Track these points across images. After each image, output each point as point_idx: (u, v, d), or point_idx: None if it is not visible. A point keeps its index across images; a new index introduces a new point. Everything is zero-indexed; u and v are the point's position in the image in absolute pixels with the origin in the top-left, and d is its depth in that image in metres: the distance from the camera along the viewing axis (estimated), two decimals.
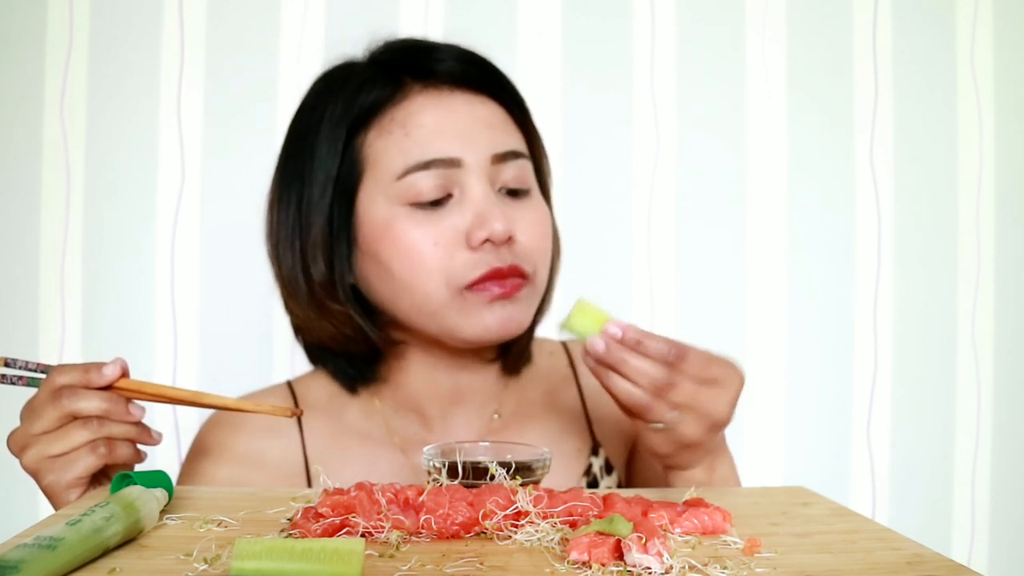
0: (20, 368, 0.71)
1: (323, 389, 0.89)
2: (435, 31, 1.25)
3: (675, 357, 0.66)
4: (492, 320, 0.79)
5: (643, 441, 0.73)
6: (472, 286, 0.78)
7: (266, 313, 1.22)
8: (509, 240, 0.78)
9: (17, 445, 0.69)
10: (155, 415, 1.18)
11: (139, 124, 1.22)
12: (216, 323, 1.23)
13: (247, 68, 1.23)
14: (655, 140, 1.28)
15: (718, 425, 0.70)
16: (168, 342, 1.23)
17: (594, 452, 0.89)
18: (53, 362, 1.19)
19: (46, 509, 0.69)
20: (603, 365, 0.67)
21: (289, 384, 0.92)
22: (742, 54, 1.29)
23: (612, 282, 1.28)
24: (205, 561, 0.48)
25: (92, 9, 1.21)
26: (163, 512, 0.58)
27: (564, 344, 0.97)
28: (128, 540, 0.52)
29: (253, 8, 1.23)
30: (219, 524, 0.57)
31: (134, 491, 0.55)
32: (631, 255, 1.28)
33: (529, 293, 0.81)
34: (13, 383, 0.70)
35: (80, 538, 0.47)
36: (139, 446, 0.73)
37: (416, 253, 0.78)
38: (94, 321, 1.22)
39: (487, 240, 0.77)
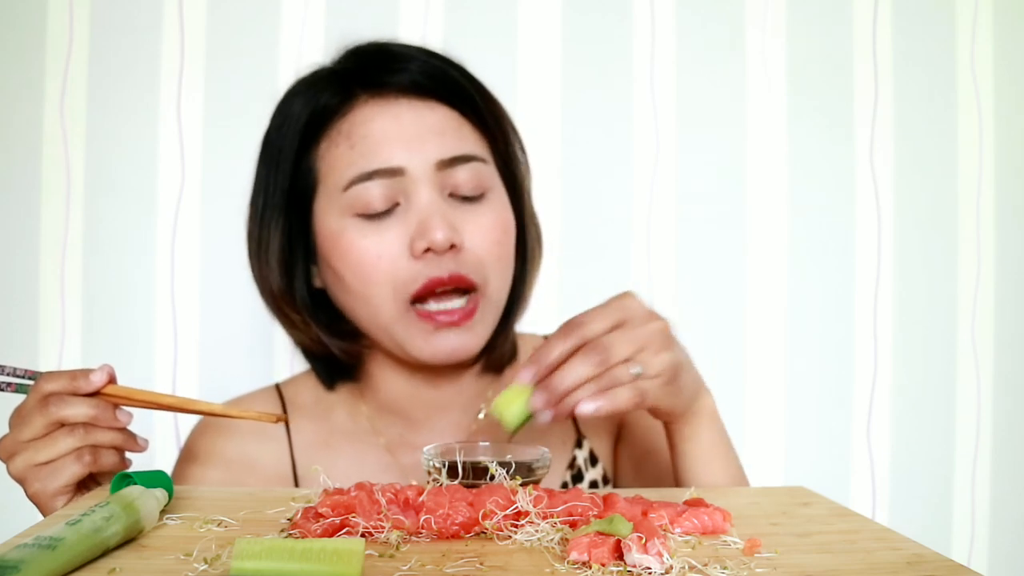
0: (8, 374, 0.70)
1: (311, 391, 0.90)
2: (435, 31, 1.25)
3: (579, 337, 0.65)
4: (441, 345, 0.78)
5: (653, 415, 0.73)
6: (416, 300, 0.78)
7: (266, 311, 1.22)
8: (453, 248, 0.77)
9: (5, 452, 0.69)
10: (156, 419, 1.19)
11: (139, 124, 1.22)
12: (216, 322, 1.23)
13: (247, 68, 1.23)
14: (655, 140, 1.28)
15: (669, 337, 0.68)
16: (168, 342, 1.23)
17: (578, 444, 0.89)
18: (53, 363, 1.20)
19: None
20: (559, 402, 0.64)
21: (277, 387, 0.93)
22: (742, 54, 1.29)
23: (611, 282, 1.28)
24: (205, 561, 0.48)
25: (92, 9, 1.21)
26: (163, 512, 0.58)
27: (546, 338, 0.97)
28: (128, 540, 0.52)
29: (253, 8, 1.23)
30: (219, 524, 0.57)
31: (134, 491, 0.55)
32: (631, 255, 1.28)
33: (481, 314, 0.80)
34: (2, 389, 0.70)
35: (80, 538, 0.47)
36: (127, 454, 0.72)
37: (363, 265, 0.78)
38: (94, 321, 1.22)
39: (429, 249, 0.77)
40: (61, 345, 1.21)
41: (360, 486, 0.57)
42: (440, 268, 0.77)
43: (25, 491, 0.69)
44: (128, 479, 0.60)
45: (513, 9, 1.26)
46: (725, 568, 0.48)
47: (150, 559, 0.49)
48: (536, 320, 0.97)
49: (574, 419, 0.90)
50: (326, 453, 0.87)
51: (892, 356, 1.30)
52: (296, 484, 0.86)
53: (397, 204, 0.78)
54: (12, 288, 1.21)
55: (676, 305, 1.27)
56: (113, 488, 0.60)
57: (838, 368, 1.30)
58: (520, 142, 0.88)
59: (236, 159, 1.23)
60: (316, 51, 1.22)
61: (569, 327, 0.65)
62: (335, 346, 0.85)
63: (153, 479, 0.60)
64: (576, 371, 0.63)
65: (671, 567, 0.47)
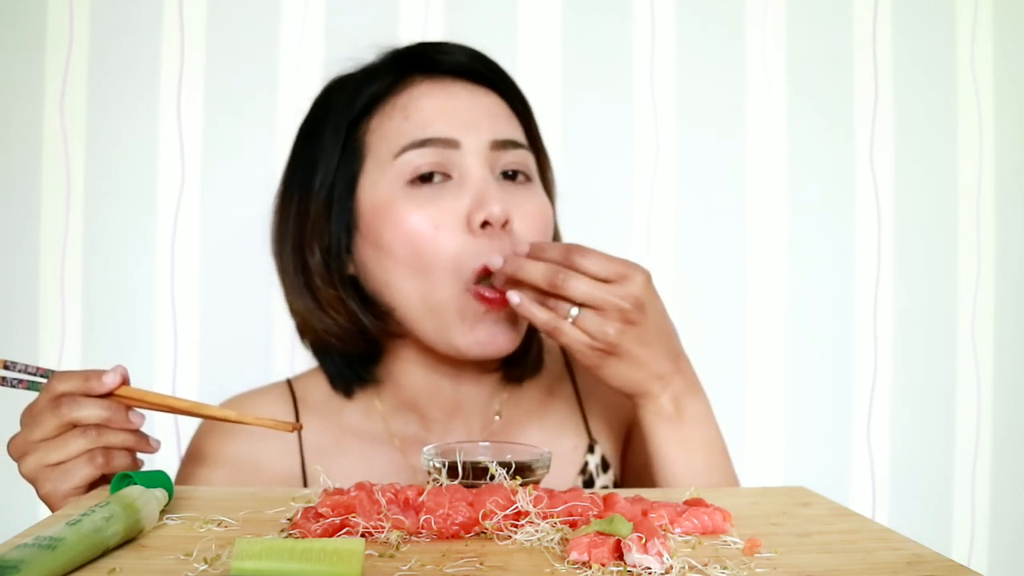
0: (20, 371, 0.70)
1: (323, 388, 0.89)
2: (435, 30, 1.25)
3: (566, 254, 0.70)
4: (484, 334, 0.78)
5: (572, 357, 0.77)
6: (476, 283, 0.77)
7: (266, 312, 1.23)
8: (506, 225, 0.77)
9: (17, 451, 0.68)
10: (156, 420, 1.18)
11: (139, 124, 1.22)
12: (216, 322, 1.23)
13: (247, 68, 1.23)
14: (655, 140, 1.28)
15: (629, 319, 0.71)
16: (168, 342, 1.23)
17: (590, 450, 0.88)
18: (53, 363, 1.20)
19: (46, 509, 0.69)
20: (508, 282, 0.73)
21: (289, 382, 0.91)
22: (742, 54, 1.29)
23: None
24: (205, 561, 0.48)
25: (92, 9, 1.21)
26: (163, 512, 0.58)
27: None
28: (128, 540, 0.52)
29: (253, 8, 1.23)
30: (219, 524, 0.57)
31: (134, 491, 0.55)
32: (631, 255, 1.27)
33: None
34: (13, 386, 0.70)
35: (80, 538, 0.47)
36: (138, 455, 0.72)
37: (419, 237, 0.77)
38: (94, 321, 1.22)
39: (486, 223, 0.76)
40: (61, 345, 1.21)
41: (360, 486, 0.57)
42: (500, 248, 0.76)
43: (37, 491, 0.69)
44: (128, 479, 0.60)
45: (513, 9, 1.27)
46: (725, 568, 0.48)
47: (150, 559, 0.49)
48: None
49: (586, 424, 0.89)
50: (337, 452, 0.85)
51: (892, 356, 1.30)
52: (305, 484, 0.85)
53: (450, 177, 0.78)
54: (12, 288, 1.21)
55: (676, 305, 1.27)
56: (113, 488, 0.60)
57: (838, 368, 1.30)
58: (546, 151, 0.89)
59: (236, 159, 1.23)
60: (316, 51, 1.23)
61: (574, 249, 0.71)
62: (369, 322, 0.82)
63: (153, 479, 0.59)
64: (531, 271, 0.71)
65: (671, 567, 0.47)
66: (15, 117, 1.21)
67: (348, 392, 0.87)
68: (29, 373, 0.70)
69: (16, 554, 0.43)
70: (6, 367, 0.69)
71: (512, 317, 0.79)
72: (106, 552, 0.49)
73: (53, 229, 1.21)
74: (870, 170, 1.30)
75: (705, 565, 0.49)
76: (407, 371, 0.86)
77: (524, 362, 0.87)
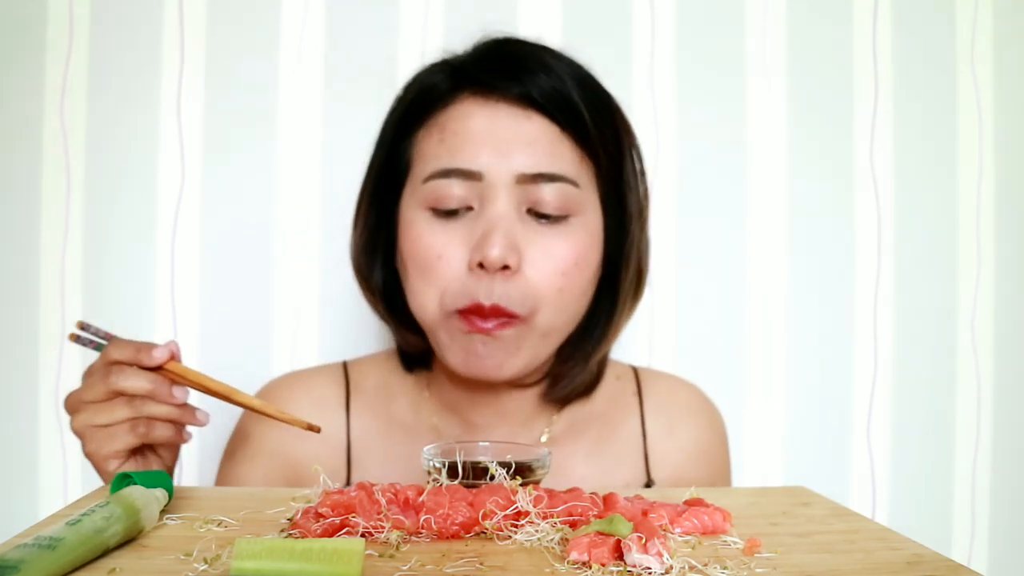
0: (93, 334, 0.76)
1: (377, 375, 0.91)
2: (435, 31, 1.25)
3: None
4: (470, 354, 0.77)
5: None
6: (458, 313, 0.77)
7: (267, 311, 1.22)
8: (507, 269, 0.75)
9: (71, 406, 0.72)
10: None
11: (139, 124, 1.22)
12: (216, 323, 1.23)
13: (247, 68, 1.23)
14: (655, 140, 1.28)
15: None
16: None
17: (646, 487, 0.86)
18: (52, 362, 1.20)
19: (46, 509, 0.69)
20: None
21: (344, 364, 0.93)
22: (742, 54, 1.29)
23: None
24: (205, 561, 0.48)
25: (92, 9, 1.21)
26: (163, 512, 0.58)
27: (635, 369, 0.93)
28: (128, 540, 0.52)
29: (253, 8, 1.23)
30: (219, 524, 0.57)
31: (134, 491, 0.55)
32: None
33: (520, 335, 0.77)
34: (85, 345, 0.76)
35: (80, 538, 0.47)
36: (187, 428, 0.76)
37: (424, 261, 0.78)
38: (94, 321, 1.21)
39: (481, 264, 0.74)
40: (61, 345, 1.21)
41: (360, 486, 0.57)
42: (488, 294, 0.75)
43: (82, 448, 0.73)
44: (128, 479, 0.60)
45: (513, 10, 1.26)
46: (725, 568, 0.48)
47: (150, 559, 0.50)
48: None
49: (647, 464, 0.88)
50: (382, 442, 0.87)
51: (892, 356, 1.30)
52: (348, 467, 0.86)
53: (471, 208, 0.77)
54: (12, 288, 1.21)
55: (676, 306, 1.27)
56: (113, 488, 0.60)
57: (838, 368, 1.30)
58: (640, 173, 0.85)
59: (236, 159, 1.23)
60: (316, 51, 1.23)
61: None
62: (399, 335, 0.85)
63: (153, 479, 0.60)
64: None
65: (671, 567, 0.47)
66: (15, 117, 1.21)
67: (408, 366, 0.89)
68: (100, 337, 0.76)
69: (16, 554, 0.43)
70: (82, 328, 0.76)
71: (508, 344, 0.77)
72: (106, 552, 0.50)
73: (53, 229, 1.21)
74: (870, 170, 1.30)
75: (705, 565, 0.49)
76: (448, 376, 0.86)
77: (567, 382, 0.85)
